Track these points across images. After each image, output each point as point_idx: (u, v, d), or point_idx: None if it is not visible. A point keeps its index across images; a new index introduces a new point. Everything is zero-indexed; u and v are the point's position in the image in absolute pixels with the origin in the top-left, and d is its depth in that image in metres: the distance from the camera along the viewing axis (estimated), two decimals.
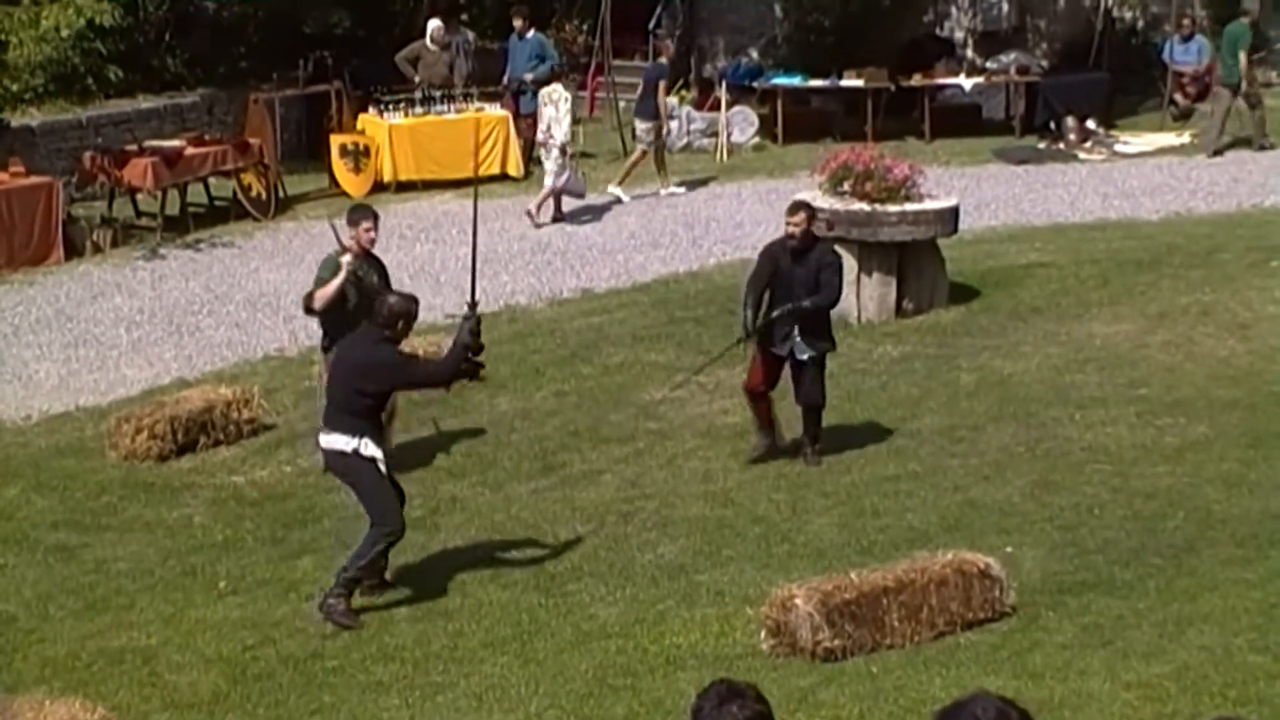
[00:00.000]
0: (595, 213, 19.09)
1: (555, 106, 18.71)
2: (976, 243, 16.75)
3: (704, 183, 20.68)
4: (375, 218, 11.62)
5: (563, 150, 18.63)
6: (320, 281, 11.36)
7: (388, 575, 10.05)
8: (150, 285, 16.45)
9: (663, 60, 20.49)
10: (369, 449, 9.61)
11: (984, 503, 10.84)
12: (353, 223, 11.50)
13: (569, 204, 19.06)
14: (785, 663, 8.82)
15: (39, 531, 11.17)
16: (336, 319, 11.18)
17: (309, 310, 11.60)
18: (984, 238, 17.19)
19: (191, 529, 11.18)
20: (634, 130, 20.05)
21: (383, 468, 9.71)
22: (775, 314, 11.27)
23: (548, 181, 18.81)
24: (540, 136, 19.03)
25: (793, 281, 11.31)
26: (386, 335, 9.70)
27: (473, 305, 10.01)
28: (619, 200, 19.48)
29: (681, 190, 19.97)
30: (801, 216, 11.40)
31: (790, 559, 10.17)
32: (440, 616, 9.68)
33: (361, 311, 10.69)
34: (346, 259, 11.27)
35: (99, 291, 16.75)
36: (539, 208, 18.81)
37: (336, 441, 9.66)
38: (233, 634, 9.59)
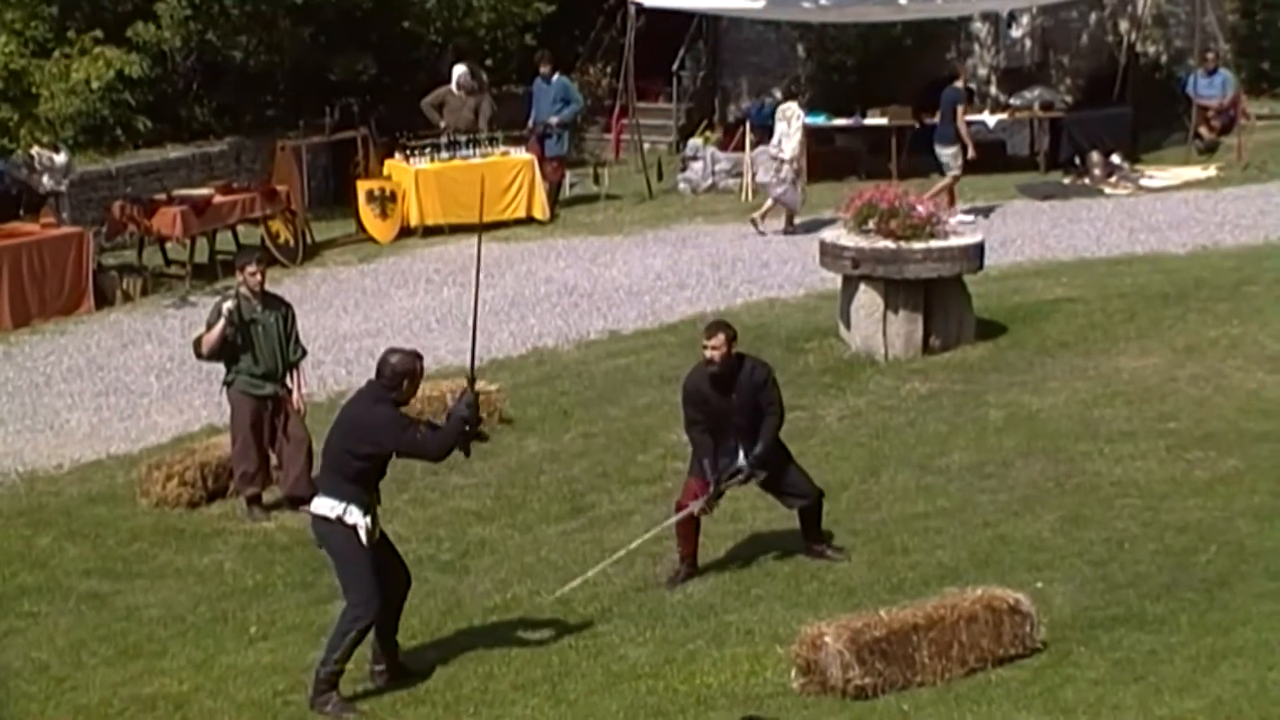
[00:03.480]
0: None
1: (787, 123, 19.56)
2: (1002, 279, 16.74)
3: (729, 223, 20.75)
4: (260, 261, 12.11)
5: (790, 163, 19.48)
6: (208, 326, 11.88)
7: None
8: (180, 333, 16.54)
9: (958, 84, 20.49)
10: (352, 517, 9.06)
11: (1014, 538, 10.80)
12: (238, 267, 12.08)
13: (775, 215, 19.72)
14: (816, 701, 8.80)
15: (71, 579, 11.22)
16: (229, 358, 11.85)
17: (198, 355, 12.11)
18: (1010, 274, 17.18)
19: (222, 575, 11.21)
20: (937, 157, 20.13)
21: (364, 536, 9.08)
22: (729, 478, 10.32)
23: (773, 191, 19.64)
24: (771, 150, 19.82)
25: (728, 413, 10.28)
26: (390, 396, 9.14)
27: (471, 380, 9.44)
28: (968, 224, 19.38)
29: (972, 219, 19.72)
30: (721, 339, 10.26)
31: (820, 597, 10.15)
32: (470, 659, 9.67)
33: (250, 346, 11.67)
34: (228, 304, 11.72)
35: (129, 340, 16.86)
36: (763, 217, 19.65)
37: (321, 506, 9.14)
38: (264, 679, 9.60)
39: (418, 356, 9.39)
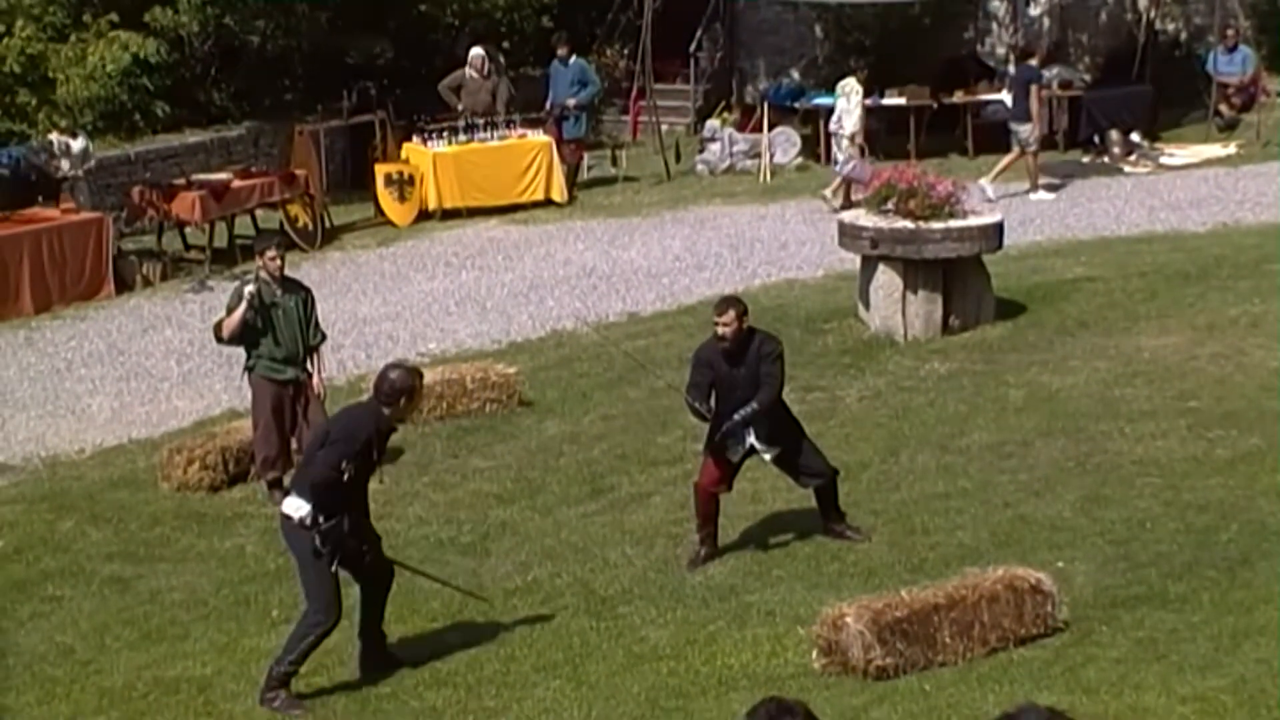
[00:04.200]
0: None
1: (847, 98, 19.75)
2: (1022, 258, 16.70)
3: (747, 204, 20.72)
4: (280, 245, 12.06)
5: (851, 139, 19.62)
6: (229, 310, 11.86)
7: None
8: (200, 317, 16.58)
9: (1032, 62, 20.43)
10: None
11: (1034, 518, 10.79)
12: (258, 251, 12.06)
13: (856, 191, 19.43)
14: (837, 681, 8.81)
15: (94, 563, 11.26)
16: (249, 343, 11.81)
17: (219, 339, 12.07)
18: (1029, 253, 17.14)
19: (244, 558, 11.25)
20: (1010, 132, 20.16)
21: (317, 541, 8.87)
22: (724, 429, 10.29)
23: (841, 168, 19.69)
24: (832, 126, 20.05)
25: (735, 385, 10.29)
26: (385, 412, 8.95)
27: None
28: (987, 196, 19.33)
29: (1051, 196, 19.92)
30: (731, 315, 10.23)
31: (841, 578, 10.15)
32: (492, 641, 9.69)
33: (270, 331, 11.63)
34: (249, 288, 11.69)
35: (150, 325, 16.90)
36: (834, 193, 19.68)
37: (289, 505, 9.03)
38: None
39: (418, 373, 9.23)
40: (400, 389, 8.97)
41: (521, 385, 13.82)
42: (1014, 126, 20.00)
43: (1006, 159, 19.99)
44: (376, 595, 9.41)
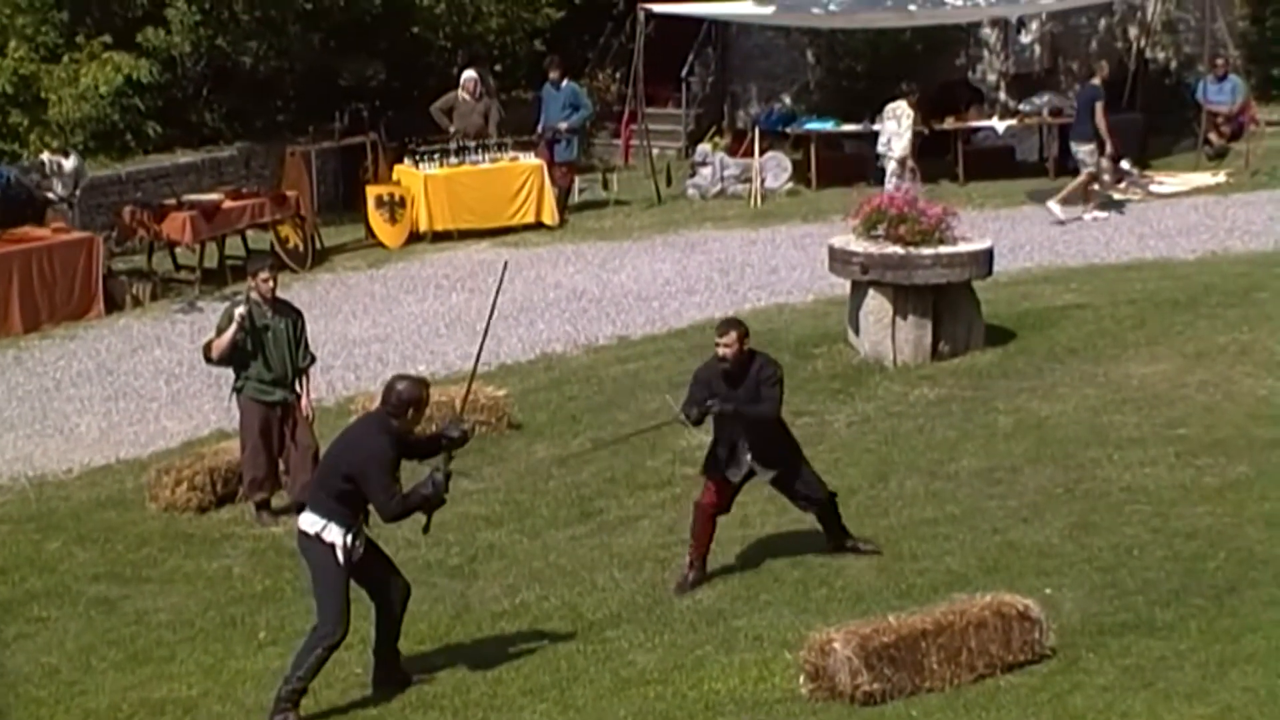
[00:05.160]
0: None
1: (897, 121, 19.95)
2: (1012, 284, 16.73)
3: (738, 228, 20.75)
4: (273, 268, 12.11)
5: (901, 163, 19.86)
6: (219, 331, 11.87)
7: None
8: (189, 338, 16.57)
9: (1095, 81, 20.47)
10: (331, 534, 9.01)
11: (1023, 544, 10.79)
12: (250, 273, 12.08)
13: None
14: (824, 707, 8.79)
15: (80, 584, 11.23)
16: (238, 364, 11.84)
17: (208, 360, 12.10)
18: (1019, 279, 17.17)
19: (231, 580, 11.23)
20: (1073, 153, 20.24)
21: (340, 555, 9.00)
22: (704, 408, 10.24)
23: (888, 187, 19.72)
24: (880, 148, 20.22)
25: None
26: (393, 424, 9.08)
27: (449, 458, 9.20)
28: (1057, 218, 19.65)
29: (1106, 215, 20.03)
30: (733, 336, 10.27)
31: (828, 603, 10.14)
32: (479, 664, 9.68)
33: (260, 352, 11.67)
34: (239, 310, 11.71)
35: (139, 345, 16.89)
36: None
37: (305, 520, 9.13)
38: (273, 684, 9.57)
39: (424, 384, 9.31)
40: (408, 400, 9.08)
41: (511, 408, 13.81)
42: (1075, 146, 20.09)
43: (1074, 183, 20.10)
44: (392, 612, 9.41)
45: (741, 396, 10.30)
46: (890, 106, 20.43)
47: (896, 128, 19.94)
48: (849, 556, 10.78)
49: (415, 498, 9.10)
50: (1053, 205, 19.76)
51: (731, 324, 10.51)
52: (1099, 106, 19.81)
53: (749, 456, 10.45)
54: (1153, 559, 10.39)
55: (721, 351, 10.33)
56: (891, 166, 20.03)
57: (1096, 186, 20.09)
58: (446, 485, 9.15)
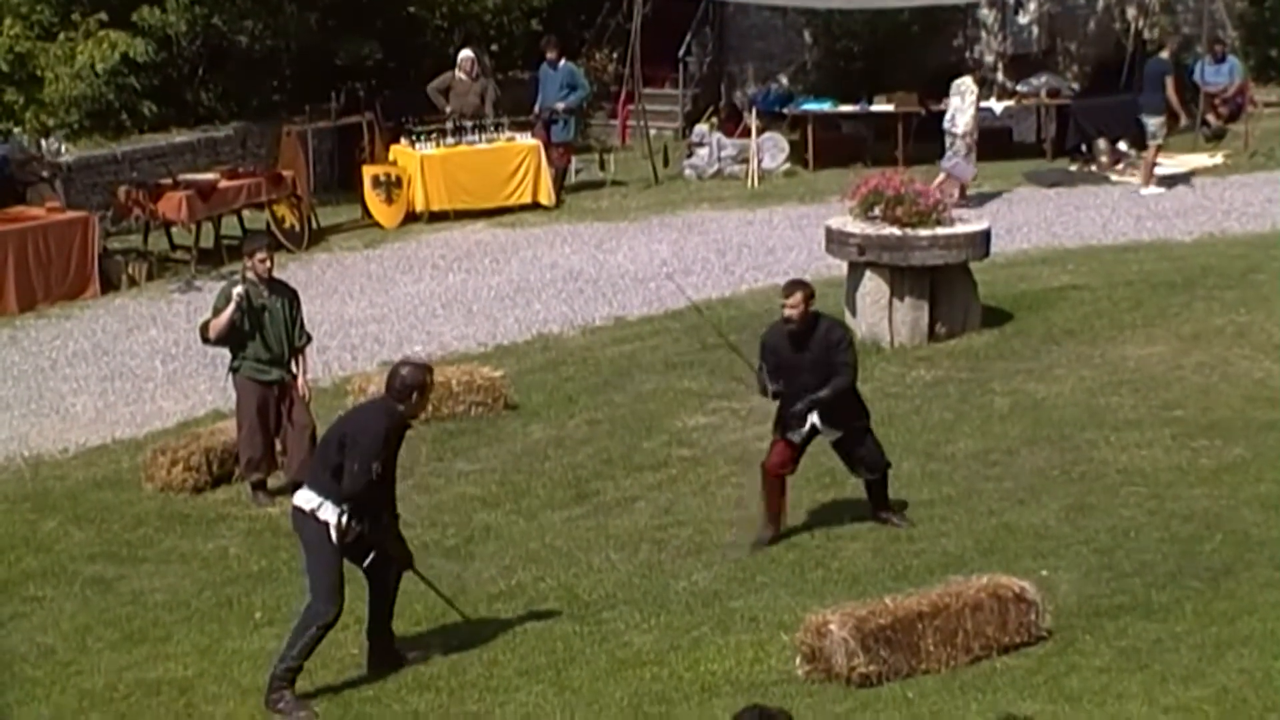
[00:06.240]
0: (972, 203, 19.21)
1: (961, 97, 19.80)
2: (1009, 266, 16.72)
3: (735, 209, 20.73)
4: (269, 248, 12.08)
5: (964, 138, 19.69)
6: (215, 311, 11.83)
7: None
8: (185, 318, 16.55)
9: (1164, 55, 20.66)
10: (325, 513, 9.04)
11: (1019, 526, 10.80)
12: (247, 253, 12.04)
13: (953, 188, 19.71)
14: (820, 688, 8.81)
15: (76, 564, 11.23)
16: (235, 344, 11.79)
17: (205, 340, 12.07)
18: (1016, 261, 17.16)
19: (227, 560, 11.22)
20: (1142, 126, 20.38)
21: (334, 534, 9.02)
22: (793, 410, 10.47)
23: (944, 164, 19.87)
24: (945, 124, 20.07)
25: (799, 369, 10.45)
26: (398, 408, 9.14)
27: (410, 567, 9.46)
28: (1158, 195, 19.94)
29: (1161, 190, 20.18)
30: (798, 297, 10.39)
31: (825, 584, 10.15)
32: (475, 645, 9.68)
33: (257, 332, 11.61)
34: (237, 290, 11.67)
35: (135, 325, 16.86)
36: (939, 188, 19.73)
37: (301, 497, 9.18)
38: (268, 665, 9.58)
39: (428, 369, 9.37)
40: (412, 384, 9.14)
41: (507, 389, 13.80)
42: (1146, 119, 20.24)
43: (1149, 156, 20.29)
44: (385, 591, 9.43)
45: (807, 360, 10.41)
46: (955, 82, 20.39)
47: (960, 103, 19.84)
48: (845, 538, 10.80)
49: (384, 526, 9.22)
50: (1145, 192, 20.00)
51: (798, 285, 10.61)
52: (1169, 80, 20.07)
53: (815, 415, 10.53)
54: (1149, 541, 10.40)
55: (788, 313, 10.44)
56: (955, 144, 19.88)
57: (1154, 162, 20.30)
58: (405, 561, 9.40)
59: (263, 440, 11.98)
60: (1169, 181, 20.50)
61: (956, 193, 19.54)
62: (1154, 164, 20.36)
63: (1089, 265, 16.91)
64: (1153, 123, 20.11)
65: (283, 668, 9.12)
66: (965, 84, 20.10)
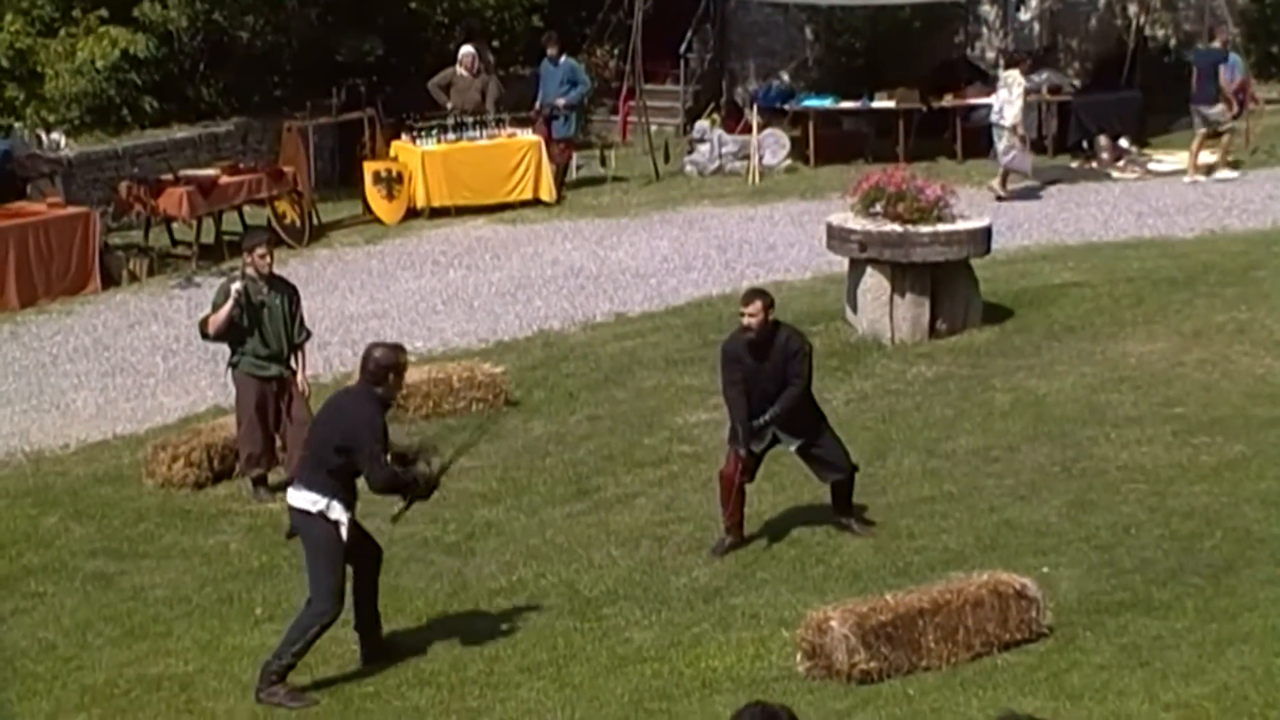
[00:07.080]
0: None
1: (1009, 89, 19.87)
2: (1010, 262, 16.72)
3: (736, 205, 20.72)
4: (269, 243, 12.08)
5: (1013, 130, 19.74)
6: (214, 307, 11.85)
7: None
8: (186, 313, 16.55)
9: (1216, 44, 20.85)
10: (335, 512, 9.00)
11: (1020, 523, 10.80)
12: (246, 249, 12.09)
13: (1014, 181, 20.09)
14: (821, 685, 8.81)
15: (77, 559, 11.23)
16: (234, 340, 11.80)
17: (204, 336, 12.10)
18: (1017, 257, 17.16)
19: (228, 556, 11.23)
20: (1203, 118, 20.51)
21: (344, 533, 9.04)
22: (752, 424, 10.36)
23: (1002, 159, 19.97)
24: (993, 117, 20.12)
25: (759, 378, 10.37)
26: (377, 392, 9.09)
27: (409, 499, 9.28)
28: (1230, 181, 20.16)
29: (1235, 175, 20.42)
30: (757, 306, 10.33)
31: (825, 581, 10.15)
32: (476, 641, 9.68)
33: (256, 328, 11.61)
34: (235, 286, 11.68)
35: (136, 320, 16.86)
36: (1001, 183, 19.95)
37: (301, 499, 9.09)
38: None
39: (400, 349, 9.36)
40: (386, 365, 9.12)
41: (508, 385, 13.80)
42: (1202, 110, 20.40)
43: (1214, 147, 20.48)
44: (370, 575, 9.41)
45: (768, 370, 10.32)
46: (1002, 75, 20.44)
47: (1008, 95, 19.83)
48: (846, 535, 10.80)
49: (407, 476, 9.13)
50: (1219, 175, 20.23)
51: (756, 294, 10.53)
52: (1223, 69, 20.23)
53: (773, 427, 10.47)
54: (1150, 538, 10.40)
55: (747, 321, 10.35)
56: (1005, 136, 19.88)
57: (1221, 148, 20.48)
58: (439, 480, 9.24)
59: (262, 436, 11.98)
60: (1237, 166, 20.70)
61: (1009, 184, 19.74)
62: (1229, 150, 20.55)
63: (1090, 262, 16.91)
64: (1212, 112, 20.29)
65: (279, 664, 9.13)
66: (1012, 76, 20.09)
